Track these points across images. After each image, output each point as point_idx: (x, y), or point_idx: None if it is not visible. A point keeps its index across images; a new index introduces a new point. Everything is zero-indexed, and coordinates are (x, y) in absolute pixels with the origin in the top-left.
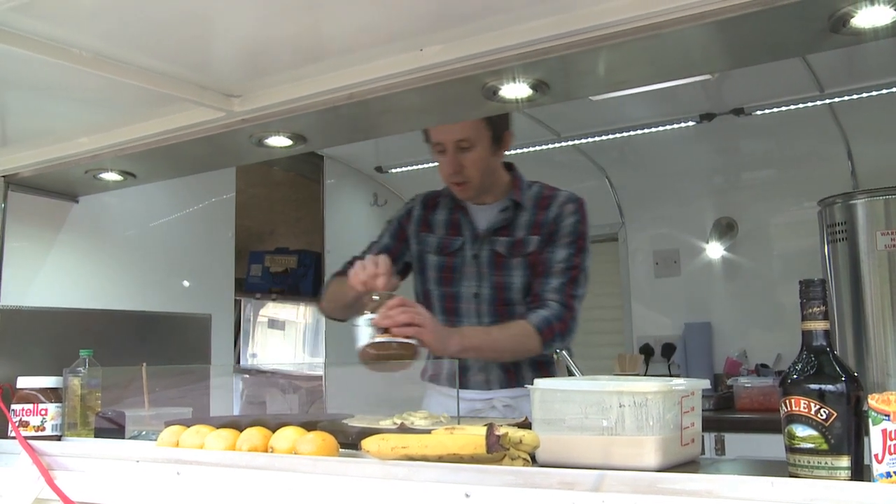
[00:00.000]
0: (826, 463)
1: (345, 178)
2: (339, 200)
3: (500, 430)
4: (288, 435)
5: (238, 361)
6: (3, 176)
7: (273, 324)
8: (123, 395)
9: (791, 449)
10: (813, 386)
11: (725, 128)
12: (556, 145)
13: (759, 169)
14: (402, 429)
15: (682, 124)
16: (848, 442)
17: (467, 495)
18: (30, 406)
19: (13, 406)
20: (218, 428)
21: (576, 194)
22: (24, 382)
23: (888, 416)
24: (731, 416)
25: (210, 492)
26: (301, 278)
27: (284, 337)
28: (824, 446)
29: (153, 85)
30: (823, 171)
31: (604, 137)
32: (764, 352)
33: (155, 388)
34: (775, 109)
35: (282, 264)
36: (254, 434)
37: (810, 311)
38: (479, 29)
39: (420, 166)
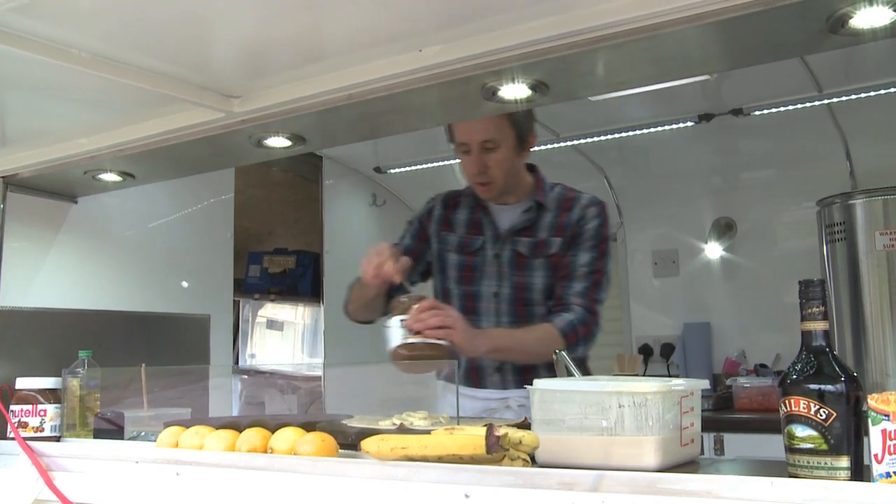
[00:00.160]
0: (826, 463)
1: (343, 178)
2: (338, 201)
3: (500, 431)
4: (287, 436)
5: (237, 362)
6: (3, 176)
7: (272, 324)
8: (122, 396)
9: (791, 449)
10: (812, 386)
11: (724, 128)
12: (555, 145)
13: (757, 169)
14: (402, 429)
15: (681, 124)
16: (847, 442)
17: (467, 496)
18: (29, 407)
19: (12, 407)
20: (217, 429)
21: (598, 197)
22: (22, 383)
23: (888, 416)
24: (730, 416)
25: (209, 493)
26: (299, 279)
27: (283, 337)
28: (824, 446)
29: (153, 85)
30: (822, 171)
31: (603, 138)
32: (763, 352)
33: (154, 389)
34: (774, 110)
35: (280, 265)
36: (253, 435)
37: (810, 311)
38: (478, 29)
39: (419, 167)
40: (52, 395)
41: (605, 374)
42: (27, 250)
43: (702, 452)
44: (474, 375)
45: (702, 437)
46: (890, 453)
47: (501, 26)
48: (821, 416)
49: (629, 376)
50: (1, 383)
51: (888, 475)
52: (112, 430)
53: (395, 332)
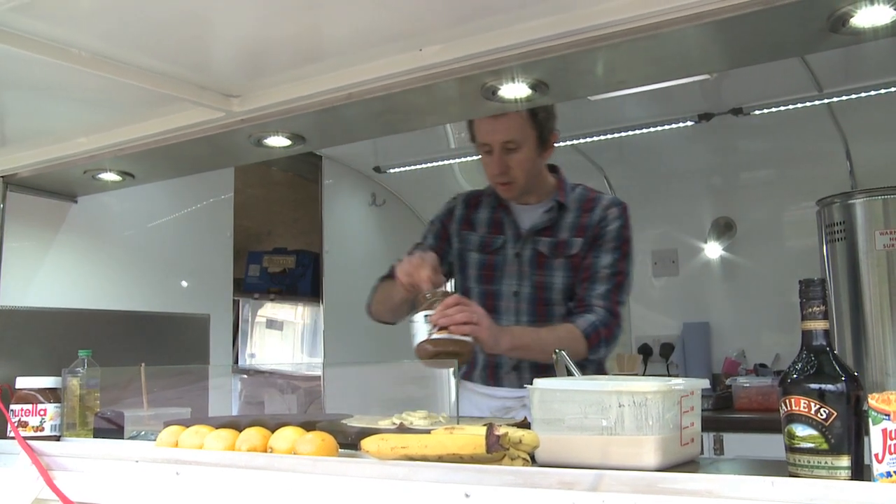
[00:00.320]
0: (826, 463)
1: (343, 178)
2: (338, 200)
3: (500, 430)
4: (287, 435)
5: (236, 362)
6: (3, 176)
7: (271, 324)
8: (122, 396)
9: (791, 449)
10: (813, 385)
11: (724, 127)
12: (555, 145)
13: (757, 169)
14: (402, 429)
15: (681, 124)
16: (848, 441)
17: (467, 495)
18: (29, 406)
19: (12, 406)
20: (217, 428)
21: (619, 198)
22: (22, 383)
23: (888, 415)
24: (730, 415)
25: (209, 492)
26: (299, 278)
27: (282, 337)
28: (824, 446)
29: (152, 85)
30: (822, 170)
31: (602, 137)
32: (762, 351)
33: (154, 389)
34: (774, 109)
35: (280, 264)
36: (253, 434)
37: (810, 310)
38: (478, 29)
39: (418, 166)
40: (52, 395)
41: (604, 374)
42: (27, 250)
43: (701, 452)
44: (491, 374)
45: (702, 436)
46: (890, 453)
47: (501, 26)
48: (821, 415)
49: (629, 376)
50: (1, 383)
51: (889, 475)
52: (112, 429)
53: (421, 327)
